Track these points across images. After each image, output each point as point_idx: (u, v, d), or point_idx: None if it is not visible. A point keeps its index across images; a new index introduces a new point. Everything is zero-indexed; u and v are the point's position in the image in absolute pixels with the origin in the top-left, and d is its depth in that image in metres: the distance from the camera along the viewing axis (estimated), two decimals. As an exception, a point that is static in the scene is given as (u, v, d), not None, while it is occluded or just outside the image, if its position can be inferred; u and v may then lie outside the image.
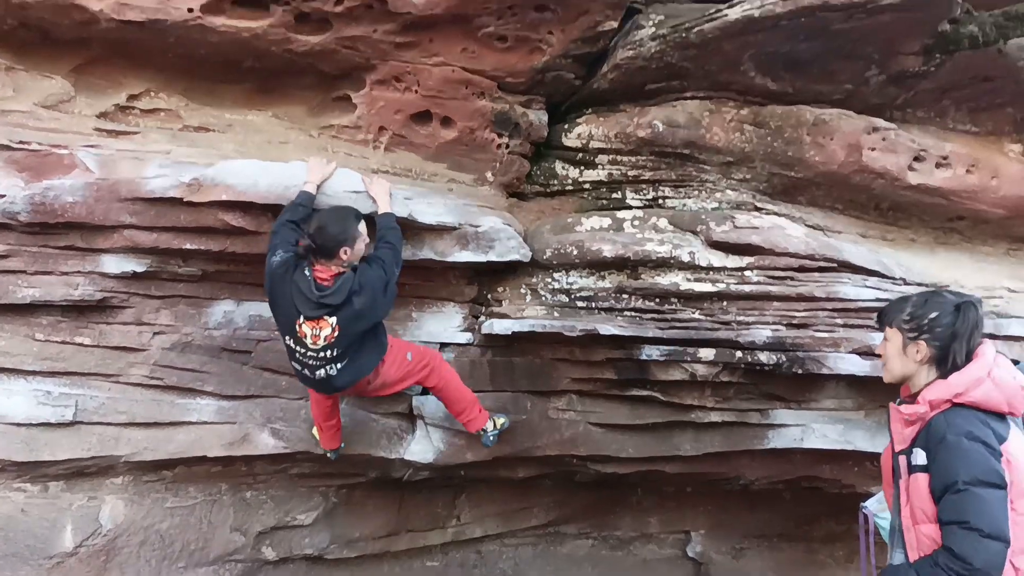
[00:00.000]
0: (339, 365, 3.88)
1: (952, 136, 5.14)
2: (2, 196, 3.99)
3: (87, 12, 4.06)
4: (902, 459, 2.85)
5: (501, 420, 4.66)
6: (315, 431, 4.68)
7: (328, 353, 3.82)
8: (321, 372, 3.89)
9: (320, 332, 3.77)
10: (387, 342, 4.08)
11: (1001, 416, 2.76)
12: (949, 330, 2.82)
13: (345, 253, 3.75)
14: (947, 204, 5.15)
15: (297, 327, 3.78)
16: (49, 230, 4.14)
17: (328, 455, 4.70)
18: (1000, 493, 2.61)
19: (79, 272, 4.27)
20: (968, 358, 2.81)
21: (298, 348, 3.84)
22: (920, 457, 2.74)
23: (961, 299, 2.88)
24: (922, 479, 2.73)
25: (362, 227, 3.86)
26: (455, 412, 4.52)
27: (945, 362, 2.83)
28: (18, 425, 4.28)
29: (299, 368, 3.94)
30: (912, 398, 2.91)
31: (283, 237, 3.83)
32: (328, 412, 4.47)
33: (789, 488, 6.12)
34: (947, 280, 4.95)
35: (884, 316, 3.08)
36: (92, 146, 4.15)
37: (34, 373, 4.34)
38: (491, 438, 4.60)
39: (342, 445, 4.68)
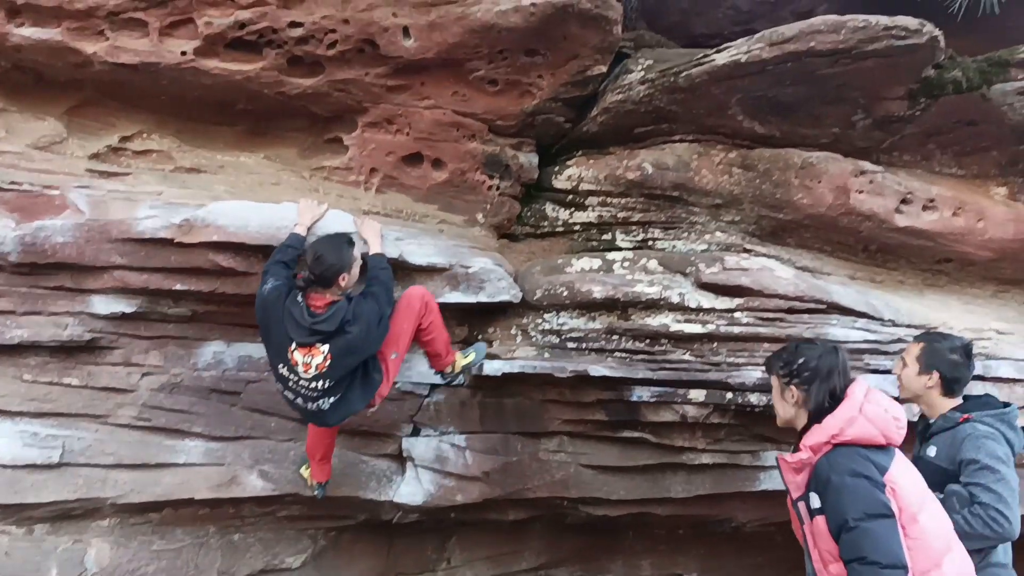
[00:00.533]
0: (331, 399, 3.84)
1: (938, 179, 5.18)
2: (-7, 237, 3.99)
3: (81, 55, 4.13)
4: (801, 505, 2.98)
5: (470, 356, 4.41)
6: (304, 470, 4.65)
7: (320, 384, 3.77)
8: (313, 406, 3.85)
9: (312, 360, 3.73)
10: (380, 379, 4.00)
11: (883, 447, 2.90)
12: (813, 373, 3.01)
13: (343, 280, 3.76)
14: (934, 246, 5.18)
15: (289, 354, 3.75)
16: (39, 270, 4.14)
17: (316, 493, 4.65)
18: (890, 522, 2.73)
19: (68, 312, 4.26)
20: (835, 398, 2.98)
21: (291, 376, 3.80)
22: (815, 501, 2.87)
23: (826, 346, 3.13)
24: (821, 522, 2.85)
25: (356, 251, 3.86)
26: (431, 355, 4.34)
27: (814, 404, 3.00)
28: (3, 467, 4.24)
29: (292, 398, 3.89)
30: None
31: (274, 273, 3.83)
32: (328, 445, 4.44)
33: (780, 531, 6.07)
34: (936, 322, 4.95)
35: (768, 366, 3.30)
36: (84, 187, 4.17)
37: (21, 414, 4.31)
38: (456, 376, 4.41)
39: (329, 480, 4.63)
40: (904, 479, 2.88)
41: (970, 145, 5.12)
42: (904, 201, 4.92)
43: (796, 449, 3.04)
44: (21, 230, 4.01)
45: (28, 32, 4.03)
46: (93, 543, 4.56)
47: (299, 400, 3.86)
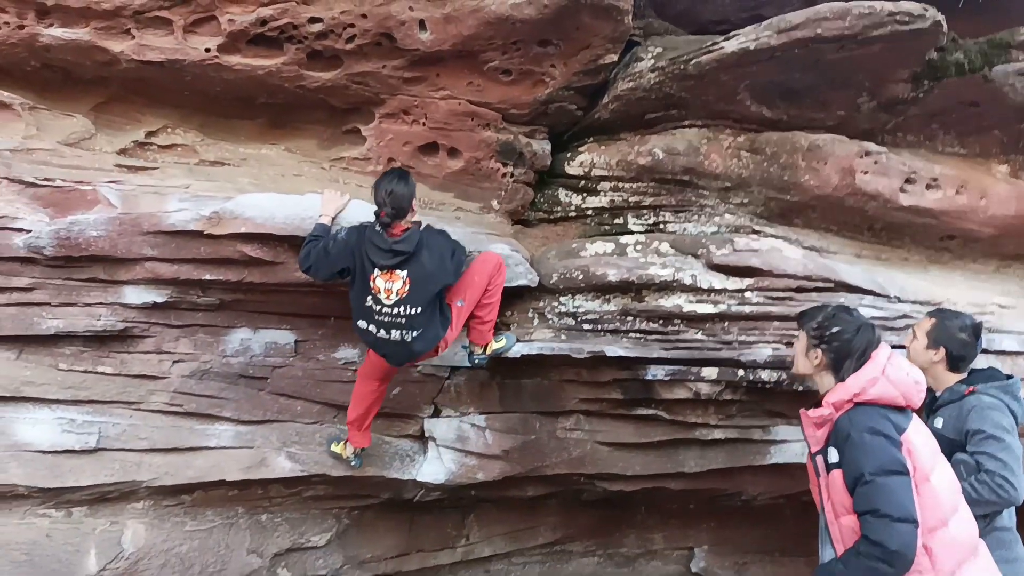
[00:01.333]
0: (414, 333, 4.07)
1: (941, 159, 5.31)
2: (28, 231, 4.11)
3: (108, 53, 4.23)
4: (819, 459, 3.13)
5: (502, 343, 4.63)
6: (335, 446, 4.81)
7: (402, 310, 4.01)
8: (397, 334, 4.06)
9: (393, 286, 4.00)
10: (449, 321, 4.24)
11: (901, 409, 3.05)
12: (846, 346, 3.14)
13: (415, 205, 4.12)
14: (938, 224, 5.31)
15: (372, 282, 4.00)
16: (73, 263, 4.26)
17: (354, 463, 4.81)
18: (904, 479, 2.87)
19: (101, 303, 4.39)
20: (858, 367, 3.11)
21: (374, 306, 4.04)
22: (833, 456, 3.02)
23: (863, 321, 3.22)
24: (837, 476, 2.99)
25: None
26: (478, 324, 4.51)
27: (839, 371, 3.15)
28: (43, 452, 4.39)
29: (375, 331, 4.09)
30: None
31: (313, 242, 4.09)
32: (378, 398, 4.59)
33: (790, 504, 6.23)
34: (940, 298, 5.09)
35: (800, 318, 3.43)
36: (114, 182, 4.28)
37: (58, 402, 4.45)
38: (483, 359, 4.61)
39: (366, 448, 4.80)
40: (919, 441, 3.01)
41: (972, 125, 5.25)
42: (908, 180, 5.05)
43: (818, 405, 3.16)
44: (55, 224, 4.13)
45: (57, 32, 4.12)
46: (129, 524, 4.72)
47: (383, 332, 4.07)
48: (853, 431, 2.97)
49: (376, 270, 4.00)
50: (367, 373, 4.53)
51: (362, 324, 4.13)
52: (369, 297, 4.05)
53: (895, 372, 3.07)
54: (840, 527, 3.03)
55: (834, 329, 3.20)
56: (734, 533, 6.77)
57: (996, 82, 4.76)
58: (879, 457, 2.90)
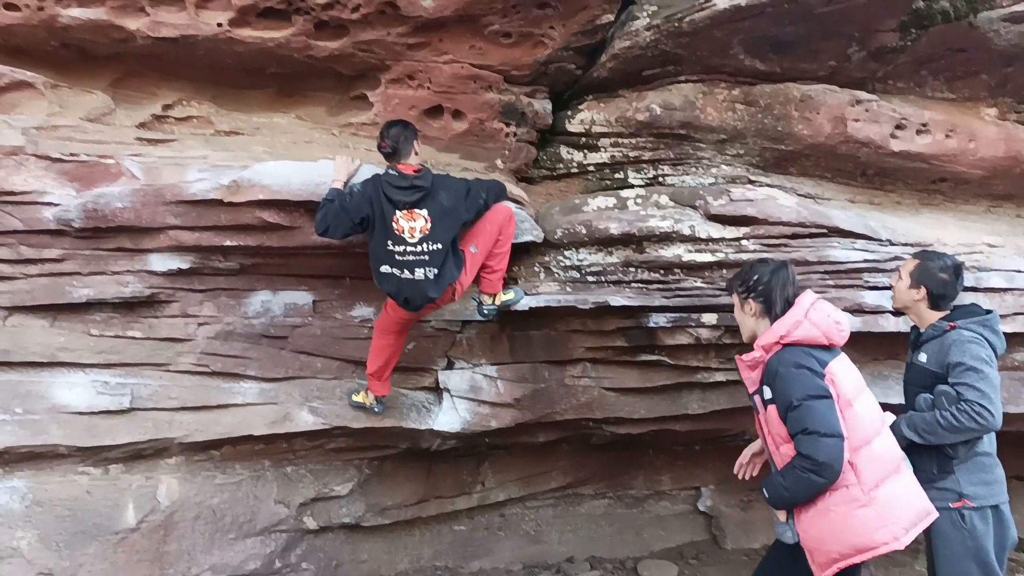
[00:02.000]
0: (436, 270, 4.28)
1: (931, 104, 5.46)
2: (57, 205, 4.31)
3: (124, 31, 4.38)
4: (756, 398, 3.52)
5: (510, 295, 4.80)
6: (357, 395, 5.00)
7: (426, 247, 4.25)
8: (420, 272, 4.27)
9: (415, 224, 4.24)
10: (463, 264, 4.44)
11: (826, 348, 3.42)
12: (768, 287, 3.52)
13: (417, 144, 4.44)
14: (929, 168, 5.48)
15: (395, 224, 4.24)
16: (100, 234, 4.46)
17: (377, 410, 5.00)
18: (828, 402, 3.25)
19: (128, 271, 4.59)
20: (788, 306, 3.49)
21: (397, 248, 4.26)
22: (767, 393, 3.39)
23: (776, 262, 3.63)
24: (773, 410, 3.37)
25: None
26: (488, 274, 4.68)
27: (771, 312, 3.51)
28: (80, 414, 4.60)
29: (398, 273, 4.29)
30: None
31: (332, 205, 4.28)
32: (395, 351, 4.79)
33: (792, 441, 6.46)
34: (931, 239, 5.25)
35: (727, 287, 3.85)
36: (136, 155, 4.47)
37: (92, 366, 4.66)
38: (492, 310, 4.77)
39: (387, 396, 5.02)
40: (843, 373, 3.39)
41: (960, 70, 5.38)
42: (899, 127, 5.21)
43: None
44: (82, 198, 4.33)
45: (75, 12, 4.27)
46: (163, 479, 4.94)
47: (407, 272, 4.27)
48: (781, 367, 3.33)
49: (397, 211, 4.23)
50: (384, 327, 4.71)
51: (385, 269, 4.32)
52: (390, 241, 4.26)
53: (817, 315, 3.43)
54: (780, 455, 3.40)
55: (755, 276, 3.60)
56: (739, 472, 6.98)
57: (981, 29, 4.89)
58: (805, 386, 3.26)
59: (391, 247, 4.28)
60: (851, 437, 3.25)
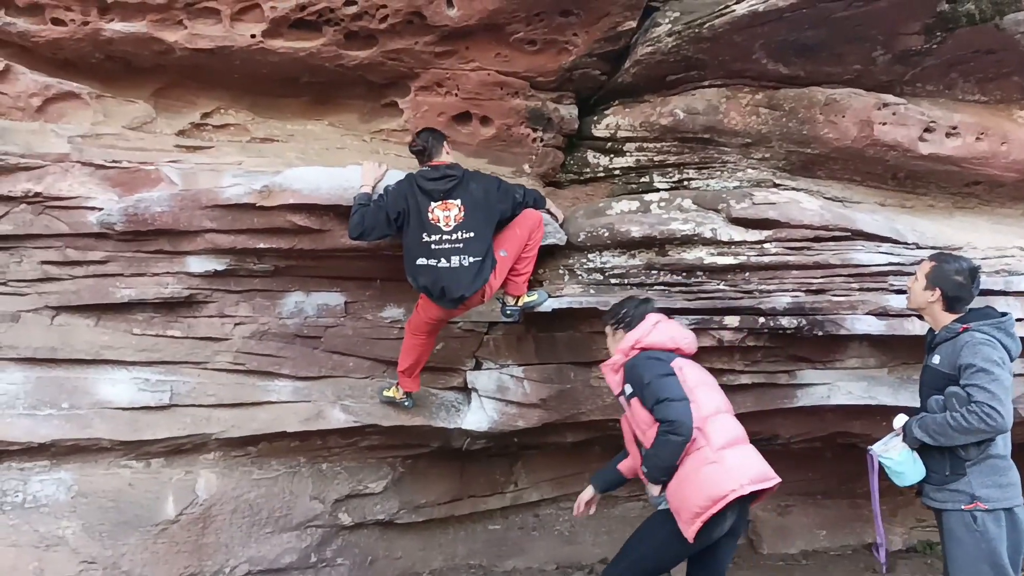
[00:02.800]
0: (471, 259, 4.43)
1: (961, 106, 5.40)
2: (100, 209, 4.55)
3: (164, 43, 4.59)
4: (621, 399, 4.08)
5: (534, 297, 4.88)
6: (387, 391, 5.11)
7: (461, 235, 4.43)
8: (456, 260, 4.41)
9: (450, 213, 4.45)
10: (494, 266, 4.56)
11: (673, 352, 4.04)
12: (632, 317, 4.16)
13: (448, 146, 4.69)
14: (960, 171, 5.42)
15: (430, 214, 4.43)
16: (141, 237, 4.68)
17: (407, 404, 5.12)
18: (672, 379, 3.84)
19: (168, 273, 4.81)
20: None
21: (433, 237, 4.44)
22: (629, 389, 3.94)
23: (640, 300, 4.35)
24: (636, 402, 3.91)
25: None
26: (514, 276, 4.78)
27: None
28: (123, 409, 4.82)
29: (435, 263, 4.43)
30: None
31: (365, 208, 4.48)
32: (429, 346, 4.94)
33: (827, 446, 6.42)
34: (960, 242, 5.20)
35: (604, 322, 4.41)
36: (174, 161, 4.69)
37: (134, 363, 4.89)
38: (516, 311, 4.86)
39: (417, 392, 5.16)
40: (688, 368, 4.00)
41: (992, 72, 5.32)
42: (927, 130, 5.16)
43: None
44: (124, 202, 4.56)
45: (117, 26, 4.49)
46: (202, 474, 5.13)
47: (443, 261, 4.42)
48: (636, 363, 3.95)
49: (432, 202, 4.43)
50: (415, 327, 4.83)
51: (421, 261, 4.46)
52: (425, 232, 4.43)
53: (663, 325, 4.13)
54: (647, 440, 3.88)
55: (623, 311, 4.25)
56: (776, 476, 6.95)
57: (1007, 31, 4.85)
58: (654, 369, 3.89)
59: (427, 238, 4.43)
60: (697, 412, 3.77)
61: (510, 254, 4.65)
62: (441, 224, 4.42)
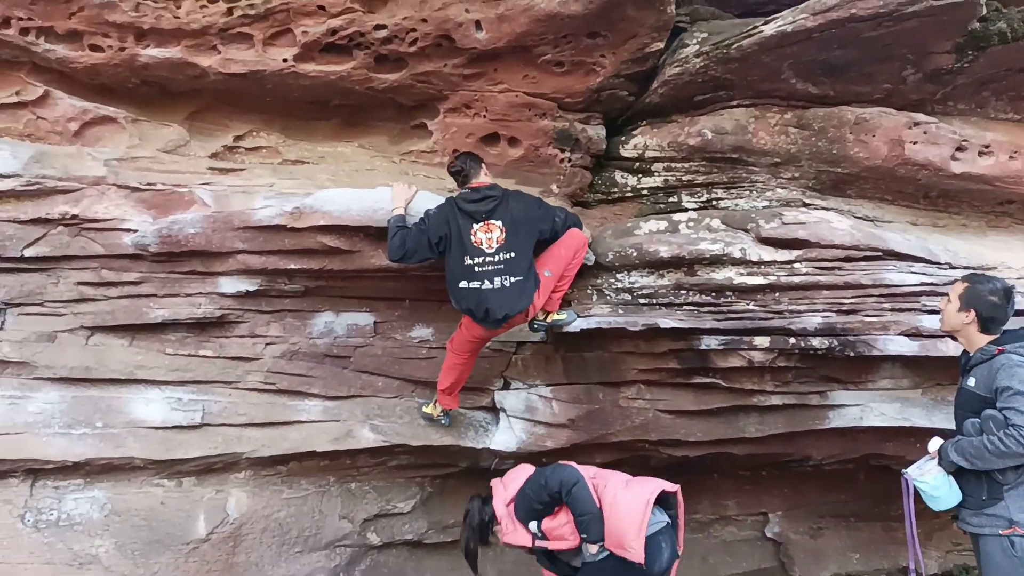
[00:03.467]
0: (513, 279, 4.48)
1: (994, 125, 5.37)
2: (135, 231, 4.63)
3: (198, 68, 4.69)
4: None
5: (563, 316, 4.89)
6: (426, 407, 5.16)
7: (503, 256, 4.49)
8: (499, 281, 4.47)
9: (492, 235, 4.50)
10: (538, 285, 4.61)
11: None
12: None
13: (484, 167, 4.73)
14: (993, 189, 5.38)
15: (472, 236, 4.49)
16: (174, 258, 4.76)
17: (444, 422, 5.17)
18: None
19: (200, 293, 4.89)
20: None
21: (476, 260, 4.50)
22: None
23: None
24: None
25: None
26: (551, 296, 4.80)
27: None
28: (156, 428, 4.89)
29: (478, 285, 4.49)
30: None
31: (406, 231, 4.53)
32: (470, 365, 4.96)
33: (860, 467, 6.34)
34: (994, 262, 5.15)
35: None
36: (207, 184, 4.77)
37: (167, 383, 4.96)
38: (543, 326, 4.90)
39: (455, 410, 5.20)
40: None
41: (1024, 91, 5.30)
42: (959, 148, 5.13)
43: None
44: (158, 224, 4.64)
45: (153, 52, 4.60)
46: (232, 493, 5.19)
47: (487, 283, 4.48)
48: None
49: (474, 224, 4.49)
50: (458, 347, 4.86)
51: (463, 284, 4.51)
52: (467, 256, 4.49)
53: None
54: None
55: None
56: (808, 498, 6.83)
57: (1040, 49, 4.82)
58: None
59: (469, 261, 4.49)
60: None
61: (554, 274, 4.69)
62: (484, 246, 4.48)
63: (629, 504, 4.21)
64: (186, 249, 4.68)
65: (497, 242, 4.48)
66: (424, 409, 5.20)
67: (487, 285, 4.47)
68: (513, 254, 4.49)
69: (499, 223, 4.51)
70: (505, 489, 4.42)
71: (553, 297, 4.79)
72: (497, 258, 4.47)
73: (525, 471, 4.48)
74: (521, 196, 4.68)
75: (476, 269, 4.48)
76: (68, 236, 4.72)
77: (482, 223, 4.50)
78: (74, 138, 4.85)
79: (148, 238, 4.63)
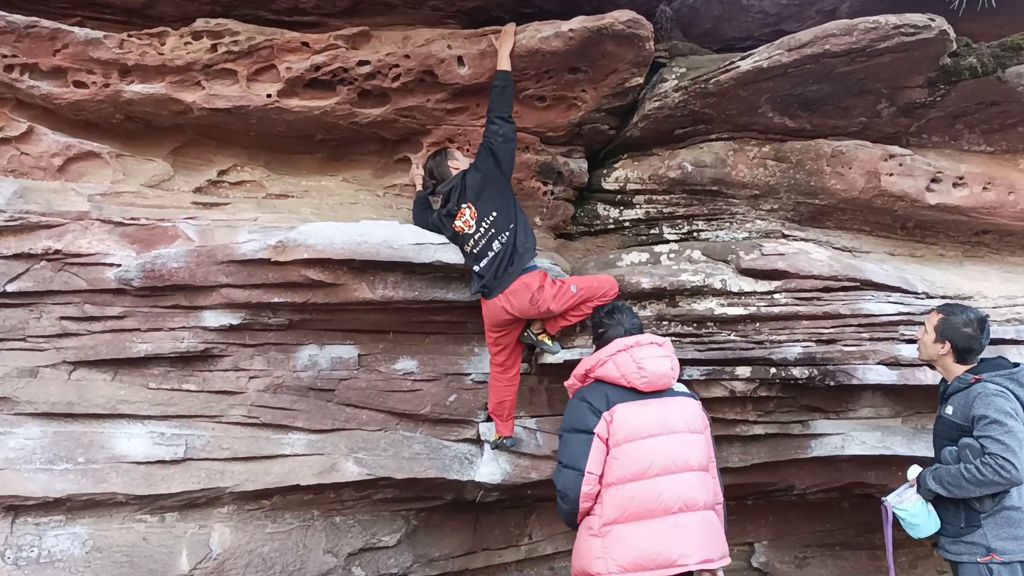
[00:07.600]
0: (505, 235, 4.59)
1: (968, 157, 5.46)
2: (118, 265, 4.63)
3: (182, 104, 4.72)
4: None
5: (550, 344, 4.94)
6: (491, 435, 5.21)
7: (484, 228, 4.61)
8: (496, 245, 4.58)
9: (467, 218, 4.64)
10: (531, 257, 4.69)
11: (627, 388, 3.75)
12: (606, 335, 4.05)
13: (454, 161, 4.85)
14: (968, 220, 5.47)
15: (456, 231, 4.67)
16: (158, 292, 4.74)
17: (507, 443, 5.15)
18: (583, 436, 3.65)
19: (184, 327, 4.86)
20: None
21: (468, 243, 4.65)
22: None
23: (621, 318, 4.13)
24: None
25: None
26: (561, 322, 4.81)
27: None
28: (138, 463, 4.82)
29: (483, 263, 4.62)
30: None
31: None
32: (507, 382, 4.95)
33: (845, 496, 6.37)
34: (970, 292, 5.22)
35: None
36: (191, 218, 4.78)
37: (149, 417, 4.90)
38: (532, 340, 4.96)
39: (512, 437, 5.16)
40: (630, 415, 3.67)
41: (996, 123, 5.37)
42: (934, 180, 5.22)
43: None
44: (142, 259, 4.63)
45: (138, 88, 4.63)
46: (216, 528, 5.10)
47: (486, 254, 4.61)
48: (573, 401, 3.85)
49: (452, 221, 4.64)
50: (491, 349, 4.92)
51: (476, 268, 4.66)
52: (464, 246, 4.66)
53: (623, 358, 3.79)
54: None
55: (600, 331, 4.15)
56: (793, 528, 6.84)
57: (1010, 83, 4.90)
58: (571, 418, 3.76)
59: (467, 249, 4.65)
60: (607, 474, 3.60)
61: (580, 292, 4.66)
62: (468, 229, 4.63)
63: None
64: (170, 283, 4.67)
65: (472, 218, 4.62)
66: (492, 437, 5.22)
67: (488, 254, 4.59)
68: (493, 215, 4.60)
69: (465, 205, 4.64)
70: None
71: (559, 323, 4.80)
72: (481, 229, 4.60)
73: None
74: (472, 166, 4.75)
75: (475, 252, 4.61)
76: (51, 271, 4.71)
77: (456, 215, 4.64)
78: (58, 173, 4.86)
79: (131, 272, 4.63)
